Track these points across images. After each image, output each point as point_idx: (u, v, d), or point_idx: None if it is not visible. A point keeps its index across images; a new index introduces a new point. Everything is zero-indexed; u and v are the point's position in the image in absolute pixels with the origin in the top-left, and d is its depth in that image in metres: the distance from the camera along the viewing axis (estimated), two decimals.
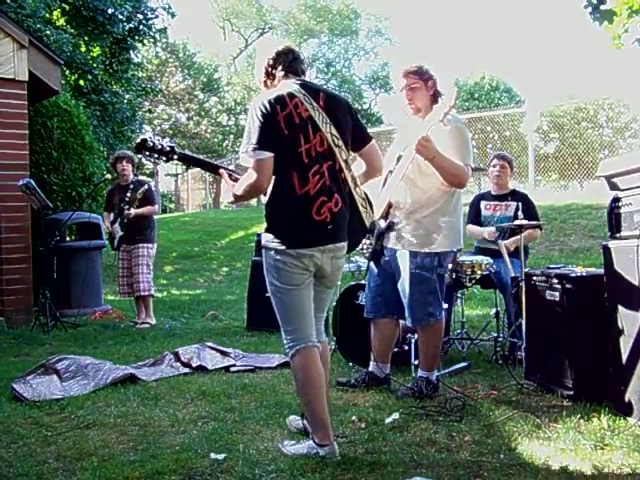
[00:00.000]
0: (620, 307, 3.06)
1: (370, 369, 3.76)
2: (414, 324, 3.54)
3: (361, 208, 2.78)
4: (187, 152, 2.99)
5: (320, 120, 2.64)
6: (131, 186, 6.30)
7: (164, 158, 2.83)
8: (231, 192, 2.72)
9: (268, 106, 2.57)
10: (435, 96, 3.47)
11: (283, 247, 2.62)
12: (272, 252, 2.65)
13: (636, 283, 2.92)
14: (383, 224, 3.53)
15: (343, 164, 2.70)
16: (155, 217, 6.68)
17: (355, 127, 2.79)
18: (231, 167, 3.04)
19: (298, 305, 2.69)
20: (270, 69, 2.80)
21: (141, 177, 6.95)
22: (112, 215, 6.42)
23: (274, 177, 2.59)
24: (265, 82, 2.83)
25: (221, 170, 2.86)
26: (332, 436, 2.66)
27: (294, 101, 2.61)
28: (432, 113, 3.24)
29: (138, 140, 2.82)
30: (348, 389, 3.66)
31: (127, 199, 6.24)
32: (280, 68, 2.77)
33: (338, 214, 2.67)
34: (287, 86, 2.69)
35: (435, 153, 3.24)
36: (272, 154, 2.54)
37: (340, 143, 2.69)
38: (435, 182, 3.40)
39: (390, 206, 3.53)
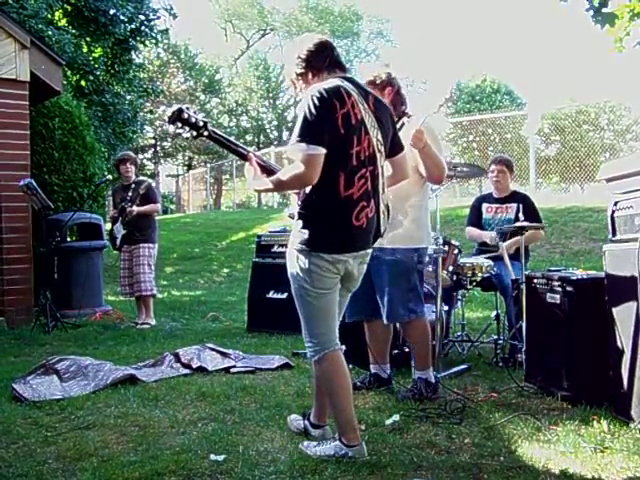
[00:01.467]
0: (620, 310, 3.06)
1: (373, 371, 3.76)
2: (394, 320, 3.55)
3: (381, 215, 2.70)
4: (218, 131, 2.74)
5: (370, 124, 2.60)
6: (133, 186, 6.35)
7: (194, 133, 2.65)
8: (262, 181, 2.64)
9: (328, 99, 2.47)
10: (394, 102, 3.45)
11: (320, 251, 2.56)
12: (306, 255, 2.57)
13: (637, 286, 2.92)
14: None
15: (380, 170, 2.67)
16: (156, 218, 6.69)
17: (394, 135, 2.79)
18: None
19: (327, 309, 2.64)
20: (313, 61, 2.65)
21: (142, 178, 6.97)
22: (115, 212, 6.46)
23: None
24: (305, 74, 2.68)
25: (250, 155, 2.73)
26: (360, 436, 2.67)
27: (351, 99, 2.53)
28: (414, 114, 3.37)
29: (174, 108, 2.62)
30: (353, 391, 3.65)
31: (129, 198, 6.28)
32: (327, 62, 2.66)
33: (372, 220, 2.63)
34: (339, 81, 2.58)
35: (425, 142, 3.31)
36: (325, 151, 2.45)
37: (382, 149, 2.68)
38: (409, 180, 3.41)
39: None
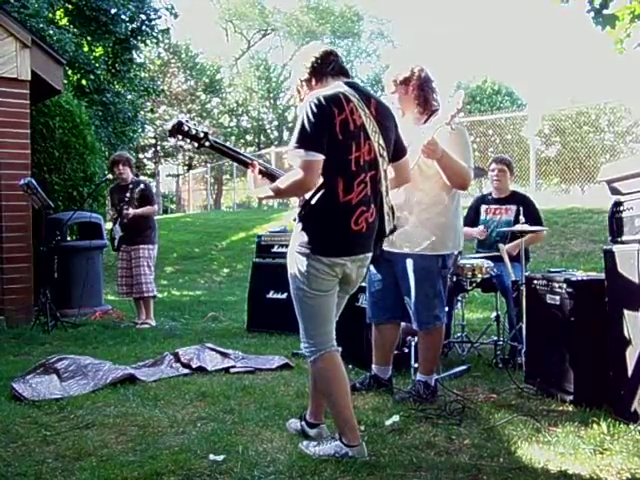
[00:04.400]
0: (620, 311, 3.06)
1: (373, 372, 3.75)
2: (421, 327, 3.51)
3: (386, 217, 2.72)
4: (219, 141, 2.78)
5: (370, 129, 2.60)
6: (130, 186, 6.31)
7: (196, 144, 2.69)
8: (263, 189, 2.68)
9: (326, 106, 2.49)
10: (416, 100, 3.42)
11: (318, 254, 2.58)
12: (304, 257, 2.59)
13: (637, 287, 2.92)
14: None
15: (383, 174, 2.68)
16: (155, 217, 6.68)
17: (397, 139, 2.80)
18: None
19: (324, 310, 2.66)
20: (318, 67, 2.69)
21: (141, 177, 6.96)
22: (114, 214, 6.46)
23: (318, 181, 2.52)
24: (309, 80, 2.71)
25: (255, 162, 2.76)
26: (360, 436, 2.67)
27: (350, 106, 2.54)
28: (438, 116, 3.21)
29: (174, 121, 2.65)
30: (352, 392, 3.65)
31: (126, 199, 6.26)
32: (331, 67, 2.70)
33: (372, 224, 2.65)
34: (340, 87, 2.61)
35: (442, 152, 3.24)
36: (323, 157, 2.47)
37: (384, 154, 2.68)
38: (436, 184, 3.40)
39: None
